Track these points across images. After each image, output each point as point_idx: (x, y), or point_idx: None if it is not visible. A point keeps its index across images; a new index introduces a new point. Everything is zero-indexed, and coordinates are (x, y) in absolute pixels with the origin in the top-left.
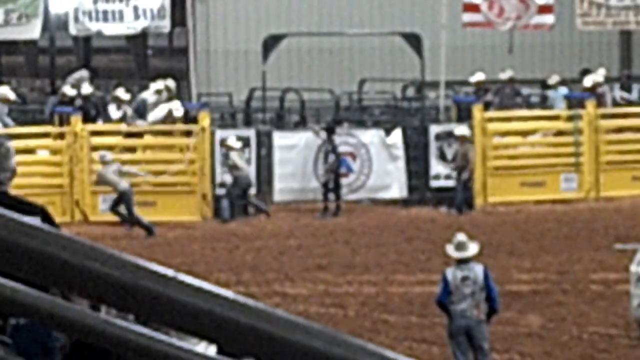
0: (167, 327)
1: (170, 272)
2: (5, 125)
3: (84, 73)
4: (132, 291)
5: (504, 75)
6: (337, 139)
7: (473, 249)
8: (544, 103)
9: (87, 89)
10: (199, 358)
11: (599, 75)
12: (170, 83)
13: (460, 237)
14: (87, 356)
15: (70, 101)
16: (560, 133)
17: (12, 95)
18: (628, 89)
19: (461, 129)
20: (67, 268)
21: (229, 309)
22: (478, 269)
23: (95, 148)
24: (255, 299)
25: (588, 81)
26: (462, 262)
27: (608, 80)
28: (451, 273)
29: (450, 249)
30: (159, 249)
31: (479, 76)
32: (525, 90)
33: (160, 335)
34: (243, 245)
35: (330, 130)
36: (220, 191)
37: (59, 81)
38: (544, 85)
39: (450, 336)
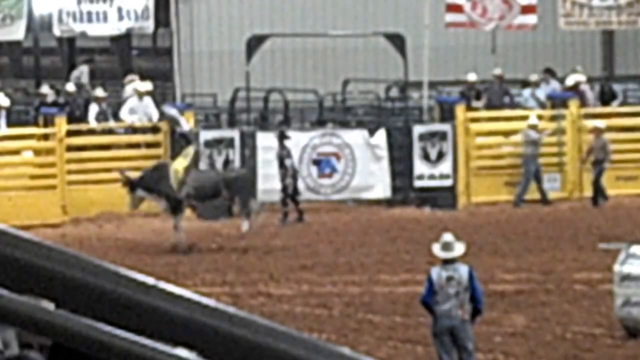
0: (149, 336)
1: (150, 280)
2: None
3: (84, 69)
4: (113, 299)
5: (494, 72)
6: (317, 140)
7: (459, 249)
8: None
9: (70, 87)
10: None
11: (579, 74)
12: (140, 85)
13: (447, 237)
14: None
15: (53, 103)
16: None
17: (5, 102)
18: (610, 89)
19: (596, 122)
20: (47, 276)
21: (210, 316)
22: (463, 270)
23: (73, 148)
24: (240, 299)
25: (570, 80)
26: (447, 262)
27: (591, 80)
28: (436, 273)
29: (436, 249)
30: (145, 250)
31: (473, 76)
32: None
33: (142, 339)
34: (228, 246)
35: (282, 136)
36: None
37: (44, 82)
38: (525, 84)
39: (434, 336)
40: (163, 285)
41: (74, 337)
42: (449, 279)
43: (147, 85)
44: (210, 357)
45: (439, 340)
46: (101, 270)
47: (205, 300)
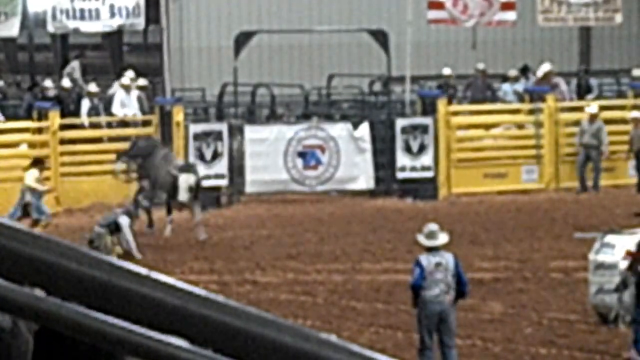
0: (141, 324)
1: (143, 270)
2: None
3: (75, 64)
4: (106, 289)
5: (477, 67)
6: (303, 133)
7: (443, 238)
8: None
9: (66, 82)
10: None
11: (546, 65)
12: (125, 80)
13: (432, 226)
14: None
15: (55, 97)
16: (521, 126)
17: None
18: (586, 83)
19: (635, 112)
20: (40, 266)
21: (202, 305)
22: (449, 257)
23: (66, 141)
24: (227, 287)
25: (540, 71)
26: (432, 250)
27: (567, 74)
28: (425, 259)
29: (421, 238)
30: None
31: (447, 70)
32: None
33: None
34: (216, 235)
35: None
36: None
37: (39, 77)
38: (504, 79)
39: (422, 320)
40: (156, 275)
41: (65, 324)
42: (438, 265)
43: (142, 81)
44: (201, 344)
45: (426, 324)
46: (94, 260)
47: (195, 289)
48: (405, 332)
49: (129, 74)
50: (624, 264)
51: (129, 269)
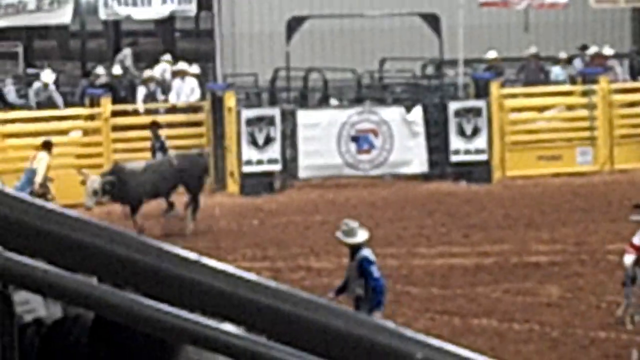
0: (191, 310)
1: (193, 255)
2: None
3: (127, 52)
4: (156, 275)
5: (529, 51)
6: (356, 117)
7: (362, 235)
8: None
9: (117, 69)
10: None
11: (607, 50)
12: (181, 66)
13: (351, 223)
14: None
15: (106, 84)
16: (573, 108)
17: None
18: (639, 64)
19: None
20: (91, 252)
21: (252, 290)
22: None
23: (118, 128)
24: (280, 274)
25: (591, 51)
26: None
27: (619, 56)
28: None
29: (340, 235)
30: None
31: (492, 53)
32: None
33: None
34: (269, 221)
35: (155, 126)
36: (248, 168)
37: (90, 64)
38: (556, 61)
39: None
40: (205, 260)
41: (117, 311)
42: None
43: (194, 68)
44: (256, 331)
45: None
46: (144, 246)
47: (247, 274)
48: (462, 317)
49: (167, 57)
50: (629, 259)
51: (179, 254)
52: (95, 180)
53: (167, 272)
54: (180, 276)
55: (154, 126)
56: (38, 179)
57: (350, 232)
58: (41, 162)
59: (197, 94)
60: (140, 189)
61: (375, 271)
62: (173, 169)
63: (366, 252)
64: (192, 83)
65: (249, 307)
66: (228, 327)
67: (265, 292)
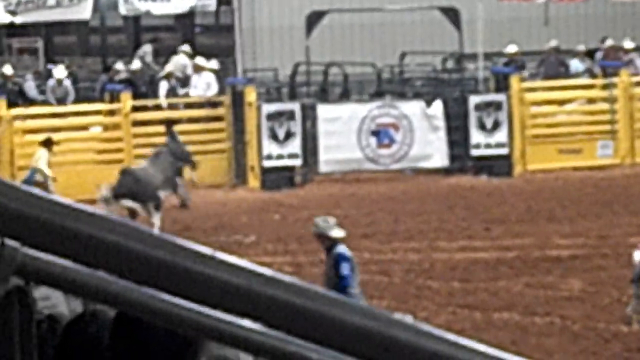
0: (211, 307)
1: (208, 251)
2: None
3: (147, 48)
4: (171, 270)
5: (549, 45)
6: (376, 111)
7: (339, 232)
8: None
9: (137, 64)
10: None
11: (627, 43)
12: (200, 61)
13: (330, 219)
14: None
15: (126, 79)
16: (594, 101)
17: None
18: None
19: None
20: (107, 248)
21: (267, 286)
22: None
23: (138, 123)
24: (302, 268)
25: (607, 44)
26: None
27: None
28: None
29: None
30: (207, 220)
31: (513, 48)
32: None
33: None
34: (290, 216)
35: (170, 124)
36: (268, 162)
37: (110, 59)
38: (575, 55)
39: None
40: (220, 255)
41: (139, 307)
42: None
43: (213, 64)
44: (276, 327)
45: None
46: (159, 242)
47: (262, 269)
48: (483, 311)
49: (184, 48)
50: (638, 256)
51: (194, 250)
52: (103, 187)
53: (186, 268)
54: (197, 272)
55: (169, 125)
56: (39, 177)
57: (330, 229)
58: (39, 160)
59: (213, 89)
60: (156, 181)
61: (345, 269)
62: (168, 151)
63: (342, 249)
64: (208, 78)
65: (267, 303)
66: (247, 323)
67: (280, 286)
